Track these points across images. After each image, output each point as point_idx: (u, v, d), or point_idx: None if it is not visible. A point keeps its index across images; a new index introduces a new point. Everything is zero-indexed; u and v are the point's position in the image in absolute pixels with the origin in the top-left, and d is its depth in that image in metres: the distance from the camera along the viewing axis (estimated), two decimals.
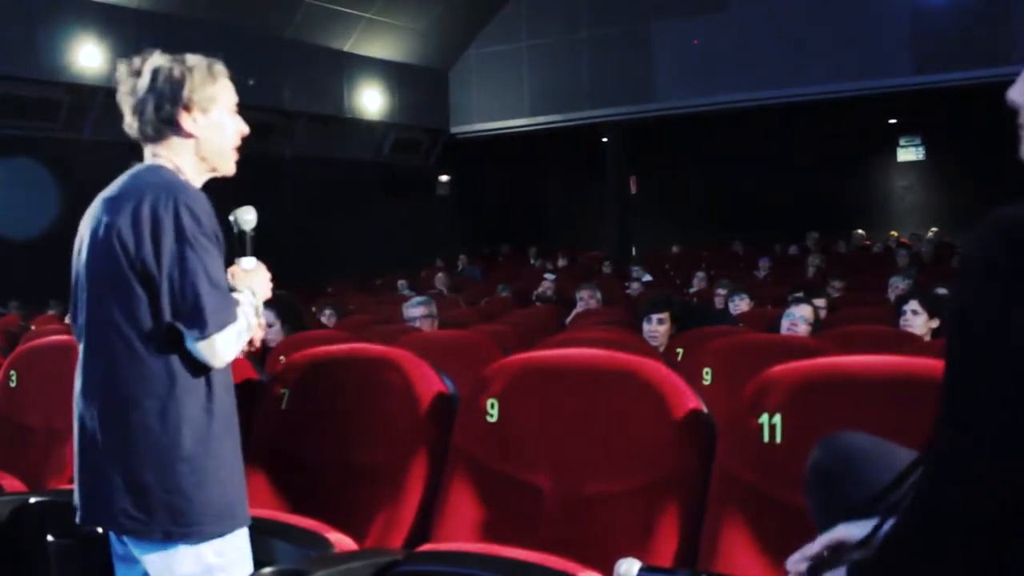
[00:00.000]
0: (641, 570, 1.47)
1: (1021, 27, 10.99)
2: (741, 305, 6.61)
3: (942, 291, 5.59)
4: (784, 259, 13.56)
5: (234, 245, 2.26)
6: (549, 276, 11.96)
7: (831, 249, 14.05)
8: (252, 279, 2.25)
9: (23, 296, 9.77)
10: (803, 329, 4.72)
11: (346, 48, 14.63)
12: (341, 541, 2.30)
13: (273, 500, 2.73)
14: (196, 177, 2.18)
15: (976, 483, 1.07)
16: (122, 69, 2.17)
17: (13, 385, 3.48)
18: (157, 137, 2.15)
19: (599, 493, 2.33)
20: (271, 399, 2.89)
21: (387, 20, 14.71)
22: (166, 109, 2.12)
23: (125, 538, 2.13)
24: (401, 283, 12.13)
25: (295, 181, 14.13)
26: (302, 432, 2.81)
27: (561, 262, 15.36)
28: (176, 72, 2.13)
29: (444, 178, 17.62)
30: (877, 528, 1.25)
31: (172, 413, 2.04)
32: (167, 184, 2.06)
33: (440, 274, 12.28)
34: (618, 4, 14.99)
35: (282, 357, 4.13)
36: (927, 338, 4.66)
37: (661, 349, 4.89)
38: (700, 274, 10.51)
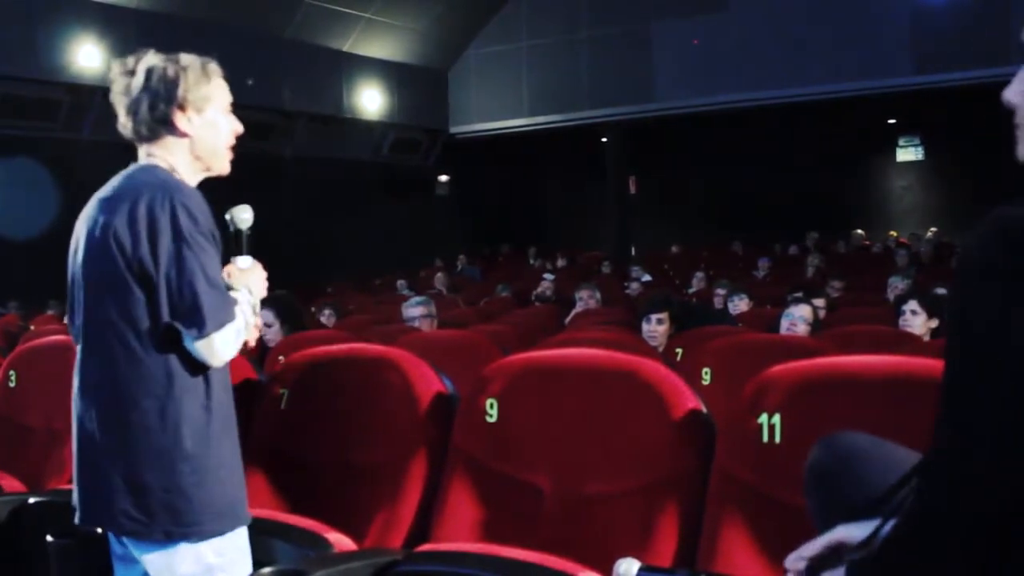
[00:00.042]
0: (640, 570, 1.47)
1: (1021, 27, 10.94)
2: (740, 305, 6.61)
3: (941, 291, 5.59)
4: (783, 259, 13.56)
5: (230, 244, 2.26)
6: (548, 276, 11.96)
7: (830, 249, 14.06)
8: (248, 278, 2.25)
9: (22, 296, 9.76)
10: (802, 329, 4.72)
11: (345, 48, 14.63)
12: (340, 541, 2.30)
13: (272, 500, 2.73)
14: (191, 176, 2.18)
15: (976, 483, 1.07)
16: (115, 69, 2.17)
17: (12, 385, 3.48)
18: (152, 137, 2.14)
19: (598, 493, 2.33)
20: (270, 399, 2.89)
21: (386, 20, 14.71)
22: (160, 108, 2.11)
23: (125, 538, 2.13)
24: (400, 283, 12.13)
25: (294, 181, 14.14)
26: (301, 432, 2.81)
27: (560, 262, 15.36)
28: (170, 71, 2.13)
29: (443, 178, 17.62)
30: (878, 529, 1.25)
31: (171, 413, 2.04)
32: (163, 184, 2.06)
33: (439, 274, 12.28)
34: (617, 4, 14.98)
35: (281, 357, 4.13)
36: (926, 338, 4.67)
37: (660, 349, 4.89)
38: (699, 274, 10.51)
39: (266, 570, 2.00)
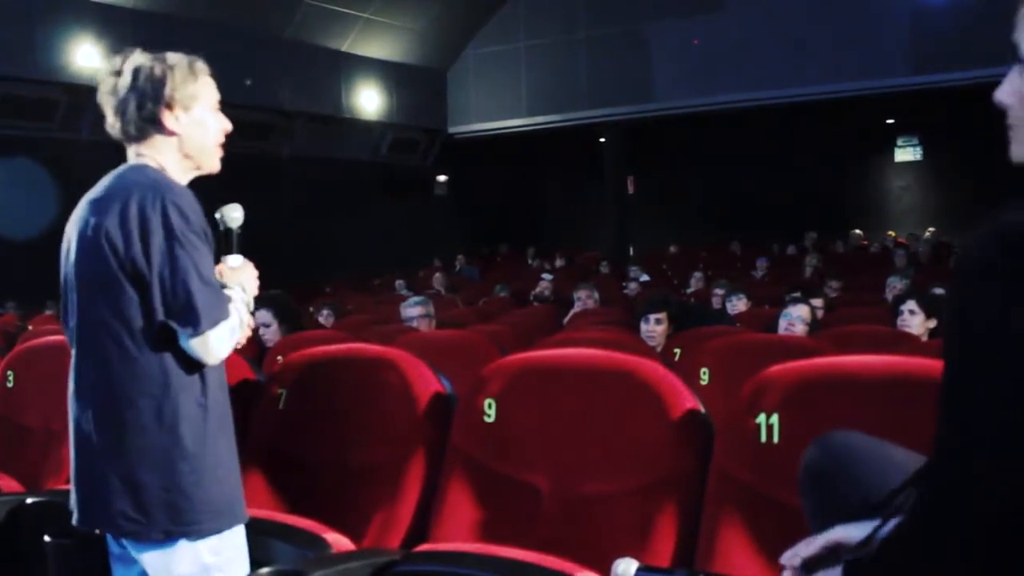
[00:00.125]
0: (639, 570, 1.47)
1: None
2: (739, 305, 6.62)
3: (939, 291, 5.59)
4: (782, 259, 13.56)
5: (221, 243, 2.25)
6: (547, 276, 11.96)
7: (828, 249, 14.06)
8: (240, 276, 2.25)
9: (20, 296, 9.76)
10: (800, 329, 4.72)
11: (344, 48, 14.63)
12: (339, 541, 2.30)
13: (271, 500, 2.73)
14: (181, 175, 2.17)
15: (976, 483, 1.07)
16: (103, 69, 2.17)
17: (10, 385, 3.48)
18: (140, 136, 2.14)
19: (597, 493, 2.33)
20: (268, 399, 2.89)
21: (385, 20, 14.71)
22: (148, 108, 2.11)
23: (123, 539, 2.13)
24: (399, 283, 12.13)
25: (293, 181, 14.14)
26: (300, 432, 2.81)
27: (559, 262, 15.37)
28: (157, 70, 2.13)
29: (442, 178, 17.62)
30: (877, 529, 1.25)
31: (168, 412, 2.04)
32: (153, 183, 2.05)
33: (438, 274, 12.28)
34: (616, 4, 14.98)
35: (279, 357, 4.13)
36: (924, 338, 4.67)
37: (659, 349, 4.89)
38: (698, 274, 10.51)
39: (264, 570, 2.00)
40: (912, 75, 12.99)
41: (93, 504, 2.09)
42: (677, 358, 4.58)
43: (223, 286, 2.16)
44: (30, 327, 7.47)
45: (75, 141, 10.95)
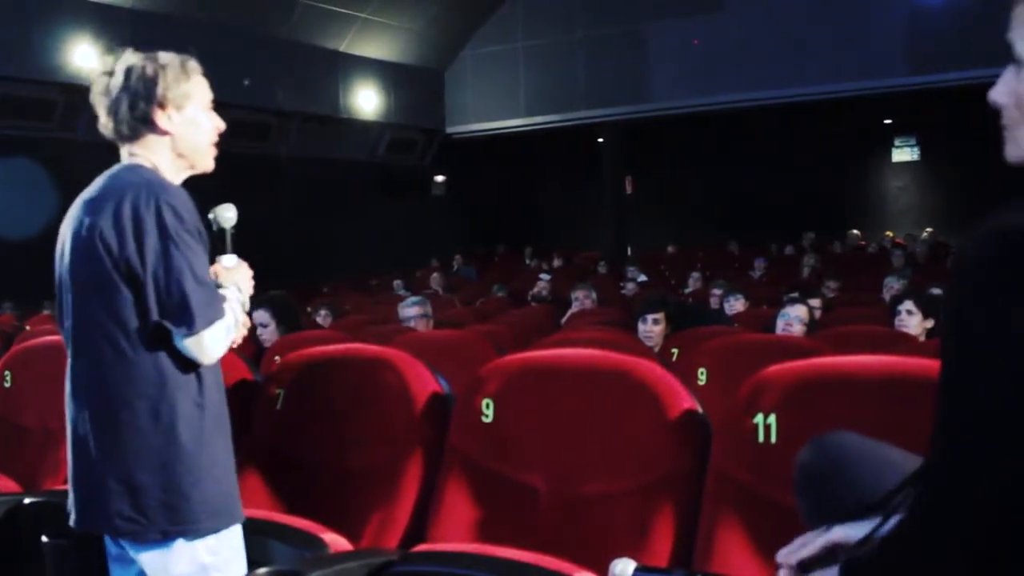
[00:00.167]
0: (636, 570, 1.47)
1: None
2: (736, 305, 6.62)
3: (937, 291, 5.59)
4: (779, 259, 13.58)
5: (215, 243, 2.25)
6: (544, 276, 11.96)
7: (826, 249, 14.07)
8: (235, 276, 2.25)
9: (18, 296, 9.75)
10: (798, 329, 4.72)
11: (342, 48, 14.62)
12: (336, 541, 2.30)
13: (268, 500, 2.73)
14: (175, 175, 2.17)
15: (975, 483, 1.07)
16: (95, 70, 2.17)
17: (8, 385, 3.48)
18: (133, 136, 2.14)
19: (594, 493, 2.33)
20: (266, 399, 2.88)
21: (383, 20, 14.71)
22: (140, 107, 2.11)
23: (121, 540, 2.13)
24: (397, 283, 12.13)
25: (291, 181, 14.13)
26: (297, 432, 2.81)
27: (556, 262, 15.37)
28: (149, 70, 2.12)
29: (440, 178, 17.62)
30: (875, 529, 1.25)
31: (164, 412, 2.04)
32: (147, 183, 2.05)
33: (435, 274, 12.27)
34: (614, 4, 14.98)
35: (277, 357, 4.13)
36: (922, 338, 4.67)
37: (656, 349, 4.89)
38: (695, 274, 10.51)
39: (262, 570, 2.00)
40: (910, 75, 12.99)
41: (90, 505, 2.09)
42: (675, 358, 4.58)
43: (218, 286, 2.16)
44: (27, 327, 7.46)
45: (73, 141, 10.93)
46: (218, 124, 2.23)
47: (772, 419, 2.13)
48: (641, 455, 2.29)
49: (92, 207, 2.07)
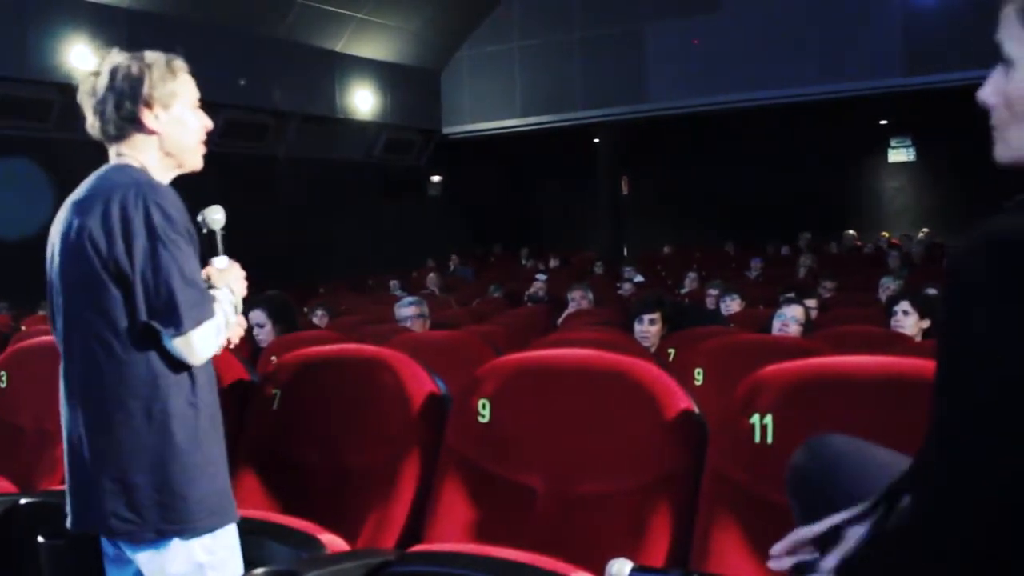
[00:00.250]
0: (633, 570, 1.47)
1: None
2: (732, 306, 6.62)
3: (933, 292, 5.60)
4: (776, 260, 13.59)
5: (205, 245, 2.25)
6: (541, 276, 11.95)
7: (822, 250, 14.09)
8: (228, 277, 2.25)
9: (14, 296, 9.73)
10: (794, 329, 4.73)
11: (338, 48, 14.61)
12: (333, 542, 2.30)
13: (265, 501, 2.72)
14: (163, 174, 2.17)
15: (974, 483, 1.08)
16: (81, 71, 2.17)
17: (3, 386, 3.48)
18: (120, 136, 2.14)
19: (591, 493, 2.33)
20: (263, 399, 2.88)
21: (379, 20, 14.70)
22: (127, 107, 2.11)
23: (117, 540, 2.13)
24: (393, 283, 12.12)
25: (287, 181, 14.12)
26: (294, 432, 2.81)
27: (553, 263, 15.37)
28: (134, 69, 2.12)
29: (436, 178, 17.61)
30: (876, 528, 1.25)
31: (157, 411, 2.04)
32: (135, 183, 2.05)
33: (432, 274, 12.26)
34: (610, 5, 14.99)
35: (274, 357, 4.13)
36: (918, 338, 4.68)
37: (652, 349, 4.89)
38: (692, 275, 10.51)
39: (259, 571, 2.00)
40: (904, 76, 13.01)
41: (86, 505, 2.09)
42: (671, 358, 4.59)
43: (210, 287, 2.16)
44: (23, 327, 7.45)
45: (70, 141, 10.89)
46: (206, 123, 2.23)
47: (768, 419, 2.13)
48: (638, 455, 2.30)
49: (80, 208, 2.07)
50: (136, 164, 2.13)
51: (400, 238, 15.94)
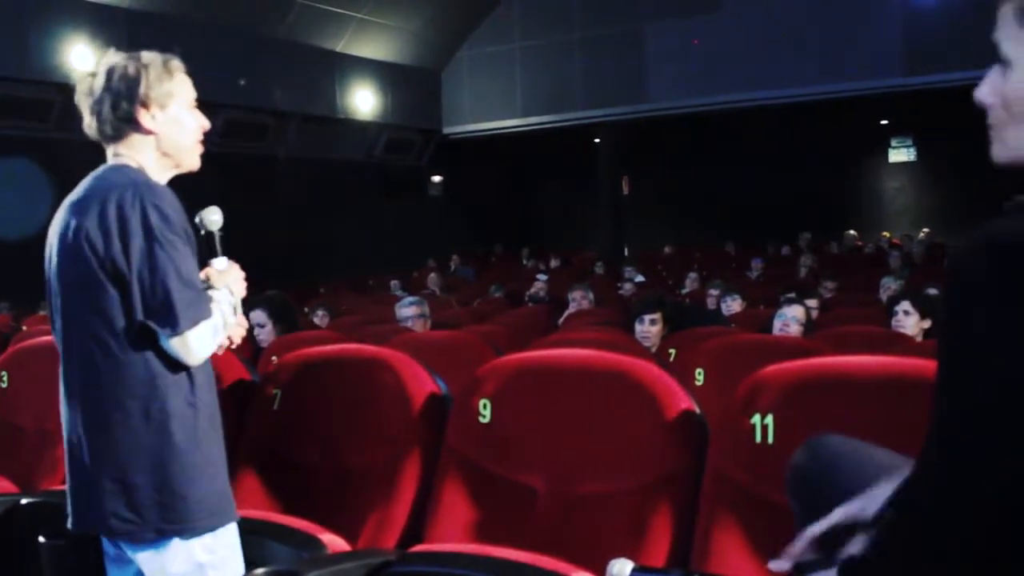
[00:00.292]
0: (634, 570, 1.47)
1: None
2: (733, 306, 6.62)
3: (934, 292, 5.60)
4: (776, 260, 13.59)
5: (203, 246, 2.25)
6: (541, 277, 11.95)
7: (823, 250, 14.09)
8: (227, 278, 2.25)
9: (14, 296, 9.73)
10: (795, 329, 4.73)
11: (338, 48, 14.61)
12: (334, 542, 2.30)
13: (266, 501, 2.72)
14: (160, 174, 2.17)
15: (975, 483, 1.07)
16: (78, 71, 2.17)
17: (4, 386, 3.48)
18: (117, 136, 2.14)
19: (592, 493, 2.33)
20: (263, 400, 2.88)
21: (379, 20, 14.70)
22: (123, 107, 2.11)
23: (118, 540, 2.13)
24: (394, 283, 12.12)
25: (288, 181, 14.12)
26: (295, 432, 2.81)
27: (554, 263, 15.38)
28: (131, 69, 2.12)
29: (437, 178, 17.62)
30: (876, 528, 1.25)
31: (156, 411, 2.04)
32: (132, 183, 2.05)
33: (433, 274, 12.26)
34: (610, 5, 14.99)
35: (274, 357, 4.13)
36: (919, 338, 4.67)
37: (653, 350, 4.89)
38: (692, 275, 10.51)
39: (259, 571, 2.00)
40: (905, 76, 13.01)
41: (86, 505, 2.09)
42: (672, 359, 4.58)
43: (208, 287, 2.16)
44: (24, 327, 7.45)
45: (70, 141, 10.89)
46: (203, 122, 2.23)
47: (769, 419, 2.13)
48: (638, 455, 2.30)
49: (78, 208, 2.07)
50: (133, 164, 2.13)
51: (401, 238, 15.94)
